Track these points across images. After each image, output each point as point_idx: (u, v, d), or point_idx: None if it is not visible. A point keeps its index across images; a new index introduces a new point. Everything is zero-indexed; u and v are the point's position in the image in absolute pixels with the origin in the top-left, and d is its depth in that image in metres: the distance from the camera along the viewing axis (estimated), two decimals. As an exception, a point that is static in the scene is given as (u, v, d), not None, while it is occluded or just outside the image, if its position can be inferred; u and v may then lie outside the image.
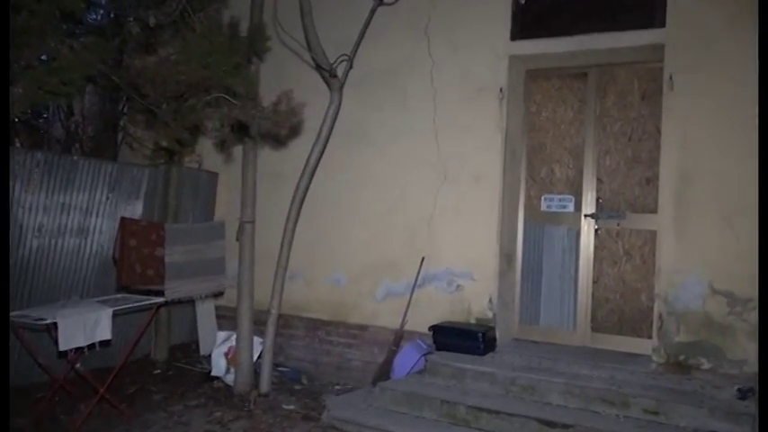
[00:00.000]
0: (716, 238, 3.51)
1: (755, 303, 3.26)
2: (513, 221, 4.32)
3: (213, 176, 4.77)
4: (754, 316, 3.30)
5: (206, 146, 4.66)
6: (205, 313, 4.55)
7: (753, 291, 3.30)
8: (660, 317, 3.60)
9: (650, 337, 3.69)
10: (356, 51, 4.08)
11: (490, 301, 4.07)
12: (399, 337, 4.08)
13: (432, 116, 4.29)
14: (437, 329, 3.93)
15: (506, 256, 4.22)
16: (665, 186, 3.70)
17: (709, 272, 3.51)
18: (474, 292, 4.12)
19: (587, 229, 4.20)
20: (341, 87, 3.91)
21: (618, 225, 4.11)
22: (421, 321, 4.11)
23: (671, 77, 3.64)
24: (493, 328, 3.99)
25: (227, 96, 3.15)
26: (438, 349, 3.87)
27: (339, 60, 3.90)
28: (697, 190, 3.59)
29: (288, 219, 3.92)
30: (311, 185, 4.05)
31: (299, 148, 4.20)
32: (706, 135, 3.56)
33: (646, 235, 4.05)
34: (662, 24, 3.69)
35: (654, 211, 3.98)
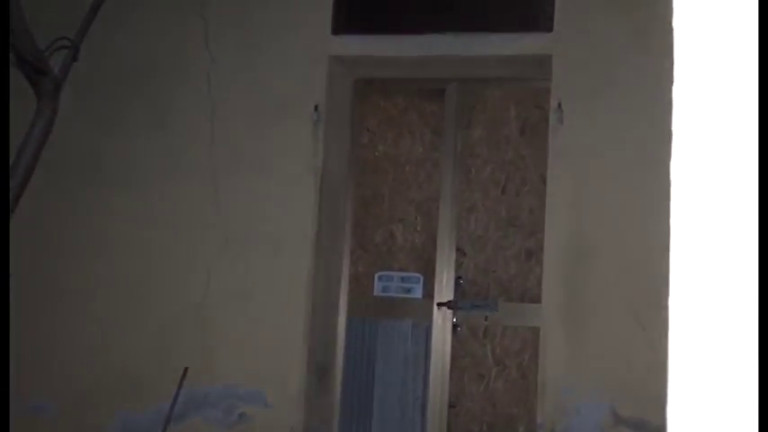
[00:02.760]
0: (620, 337, 3.60)
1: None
2: (331, 313, 4.24)
3: None
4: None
5: None
6: None
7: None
8: (545, 462, 3.67)
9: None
10: (85, 34, 3.79)
11: (293, 438, 3.98)
12: None
13: (208, 144, 4.22)
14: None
15: (319, 368, 4.14)
16: (552, 262, 3.77)
17: (610, 389, 3.57)
18: (267, 426, 4.01)
19: (442, 324, 4.23)
20: (55, 91, 3.58)
21: (486, 320, 4.18)
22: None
23: (559, 105, 3.76)
24: (295, 485, 3.88)
25: None
26: None
27: (55, 47, 3.58)
28: (595, 268, 3.69)
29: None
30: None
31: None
32: (607, 188, 3.71)
33: (525, 334, 4.14)
34: (548, 28, 3.83)
35: (537, 298, 4.03)
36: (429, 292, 4.34)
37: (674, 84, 2.75)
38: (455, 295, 4.26)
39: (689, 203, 2.61)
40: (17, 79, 3.67)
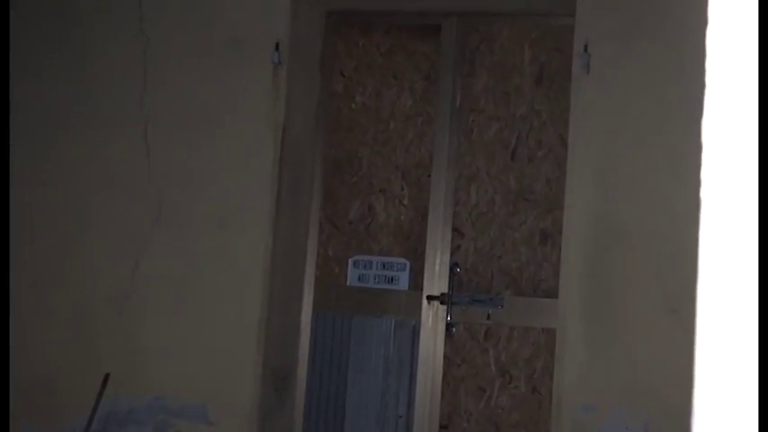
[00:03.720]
0: (656, 342, 3.55)
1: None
2: (293, 308, 4.18)
3: None
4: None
5: None
6: None
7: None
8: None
9: None
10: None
11: (242, 466, 3.92)
12: None
13: (138, 92, 4.18)
14: None
15: (277, 377, 4.07)
16: (573, 247, 3.67)
17: (643, 407, 3.52)
18: (209, 449, 3.96)
19: (433, 323, 4.14)
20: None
21: (488, 318, 4.10)
22: None
23: (586, 48, 3.70)
24: None
25: None
26: None
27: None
28: (627, 254, 3.63)
29: None
30: None
31: None
32: (644, 154, 3.66)
33: (538, 337, 4.09)
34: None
35: (552, 292, 3.97)
36: (417, 283, 4.26)
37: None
38: (450, 287, 4.15)
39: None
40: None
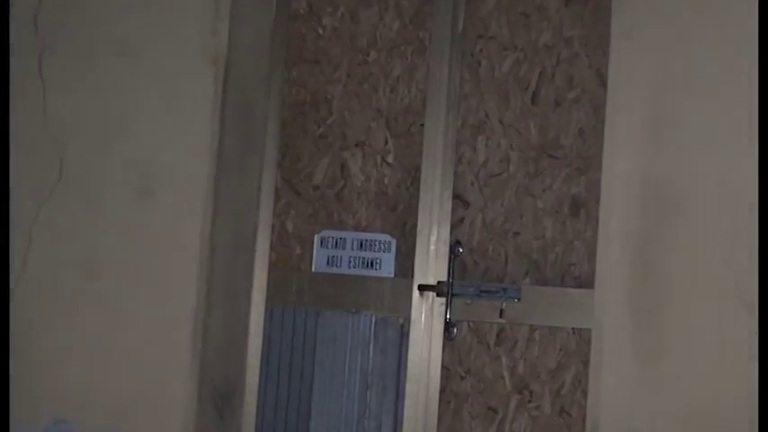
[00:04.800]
0: (723, 348, 3.57)
1: None
2: (239, 301, 4.14)
3: None
4: None
5: None
6: None
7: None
8: None
9: None
10: None
11: None
12: None
13: (32, 7, 4.21)
14: None
15: (217, 393, 4.05)
16: (614, 220, 3.61)
17: None
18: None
19: (427, 323, 4.07)
20: None
21: (501, 315, 4.00)
22: None
23: None
24: None
25: None
26: None
27: None
28: (685, 229, 3.65)
29: None
30: None
31: None
32: (710, 96, 3.67)
33: (566, 341, 4.01)
34: None
35: (587, 281, 3.91)
36: (406, 268, 4.15)
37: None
38: (450, 274, 4.02)
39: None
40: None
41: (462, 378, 4.16)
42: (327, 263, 4.32)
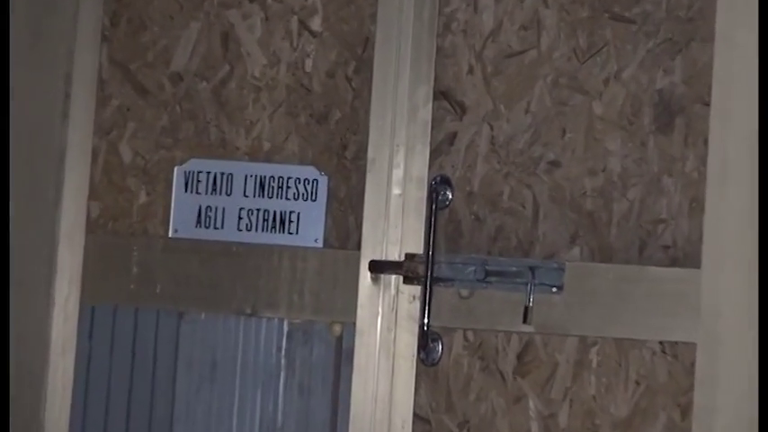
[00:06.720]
0: None
1: None
2: (37, 293, 3.36)
3: None
4: None
5: None
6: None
7: None
8: None
9: None
10: None
11: None
12: None
13: None
14: None
15: None
16: (739, 136, 2.92)
17: None
18: None
19: (386, 333, 3.08)
20: None
21: (525, 318, 2.99)
22: None
23: None
24: None
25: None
26: None
27: None
28: None
29: None
30: None
31: None
32: None
33: (650, 368, 3.11)
34: None
35: (688, 256, 3.07)
36: (346, 231, 3.17)
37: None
38: (430, 240, 2.93)
39: None
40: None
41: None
42: (198, 221, 3.14)
